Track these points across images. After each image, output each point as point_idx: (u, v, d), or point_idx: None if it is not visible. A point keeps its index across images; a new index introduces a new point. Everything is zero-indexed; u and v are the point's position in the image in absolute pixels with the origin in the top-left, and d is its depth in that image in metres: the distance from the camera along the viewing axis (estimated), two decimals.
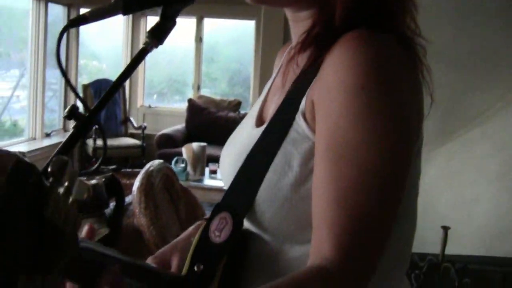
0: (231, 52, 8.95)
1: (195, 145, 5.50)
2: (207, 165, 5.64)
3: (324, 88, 0.88)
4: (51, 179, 0.69)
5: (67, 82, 1.01)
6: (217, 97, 7.80)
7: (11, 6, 6.78)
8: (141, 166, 2.81)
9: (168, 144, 6.68)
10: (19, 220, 0.65)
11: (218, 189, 5.09)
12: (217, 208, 1.00)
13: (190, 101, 7.39)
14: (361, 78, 0.84)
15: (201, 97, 7.68)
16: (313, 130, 0.91)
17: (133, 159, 6.88)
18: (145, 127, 7.00)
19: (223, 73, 9.05)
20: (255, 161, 0.96)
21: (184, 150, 5.50)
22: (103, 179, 2.65)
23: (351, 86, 0.84)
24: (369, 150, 0.84)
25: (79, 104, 0.99)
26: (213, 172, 5.60)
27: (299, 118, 0.92)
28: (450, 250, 2.64)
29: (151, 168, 2.61)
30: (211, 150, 5.80)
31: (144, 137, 6.84)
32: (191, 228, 1.20)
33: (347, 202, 0.84)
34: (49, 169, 0.69)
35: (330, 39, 0.90)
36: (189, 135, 7.01)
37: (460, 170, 3.26)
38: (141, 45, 1.00)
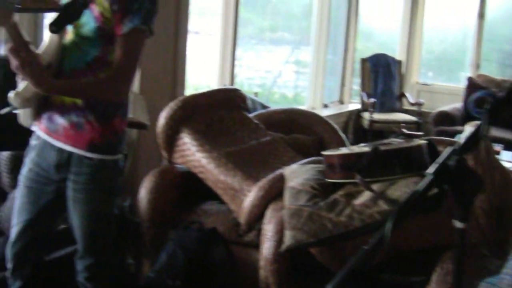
0: (506, 31, 8.33)
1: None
2: None
3: None
4: None
5: None
6: (498, 77, 7.32)
7: None
8: None
9: (446, 122, 6.49)
10: None
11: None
12: None
13: (469, 79, 7.05)
14: None
15: (480, 76, 7.29)
16: None
17: None
18: (422, 104, 6.88)
19: (494, 53, 8.46)
20: None
21: (467, 128, 5.28)
22: (424, 142, 2.63)
23: None
24: None
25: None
26: (496, 153, 5.30)
27: None
28: None
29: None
30: (495, 132, 5.49)
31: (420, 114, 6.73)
32: None
33: None
34: None
35: None
36: (467, 114, 6.71)
37: None
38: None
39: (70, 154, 2.06)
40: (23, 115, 2.11)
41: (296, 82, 7.45)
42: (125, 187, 3.44)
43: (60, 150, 2.07)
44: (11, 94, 1.99)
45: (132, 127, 3.35)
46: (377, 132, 6.60)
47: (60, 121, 2.05)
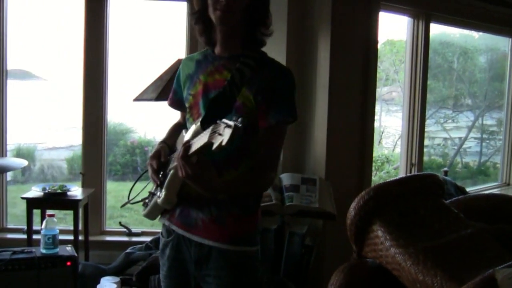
0: None
1: None
2: None
3: None
4: None
5: None
6: None
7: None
8: None
9: None
10: None
11: None
12: None
13: None
14: None
15: None
16: None
17: None
18: None
19: None
20: None
21: None
22: None
23: None
24: None
25: None
26: None
27: None
28: None
29: None
30: None
31: None
32: None
33: None
34: None
35: None
36: None
37: None
38: None
39: (210, 248, 1.95)
40: (152, 210, 2.02)
41: (480, 149, 6.97)
42: (310, 282, 3.25)
43: (199, 245, 1.97)
44: (159, 200, 1.93)
45: (319, 218, 3.17)
46: None
47: (198, 215, 1.96)
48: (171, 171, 1.92)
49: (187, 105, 2.02)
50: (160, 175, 1.97)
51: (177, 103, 2.14)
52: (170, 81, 2.81)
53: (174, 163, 1.87)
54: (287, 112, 1.88)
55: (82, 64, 4.04)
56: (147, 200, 2.07)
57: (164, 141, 2.10)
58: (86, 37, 4.01)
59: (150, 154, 2.04)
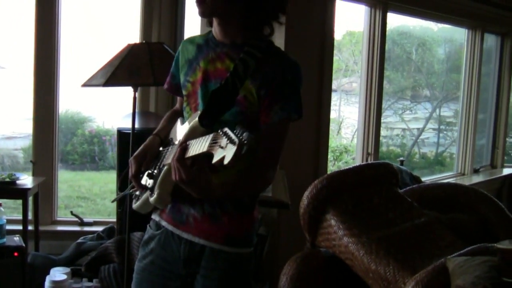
0: None
1: None
2: None
3: None
4: None
5: None
6: None
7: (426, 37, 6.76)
8: None
9: None
10: None
11: None
12: None
13: None
14: None
15: None
16: None
17: None
18: None
19: None
20: None
21: None
22: None
23: None
24: None
25: None
26: None
27: None
28: None
29: None
30: None
31: None
32: None
33: None
34: None
35: None
36: None
37: None
38: None
39: (202, 247, 1.82)
40: (143, 204, 1.90)
41: (437, 140, 7.06)
42: (263, 271, 3.22)
43: (190, 243, 1.83)
44: (151, 199, 1.80)
45: (273, 207, 3.14)
46: None
47: (190, 211, 1.82)
48: (165, 167, 1.79)
49: (184, 92, 1.88)
50: (153, 170, 1.86)
51: (175, 88, 1.98)
52: (119, 66, 2.72)
53: (169, 160, 1.76)
54: (292, 109, 1.75)
55: (33, 52, 3.92)
56: (137, 193, 1.93)
57: (157, 133, 1.98)
58: (37, 23, 3.88)
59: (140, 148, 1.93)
